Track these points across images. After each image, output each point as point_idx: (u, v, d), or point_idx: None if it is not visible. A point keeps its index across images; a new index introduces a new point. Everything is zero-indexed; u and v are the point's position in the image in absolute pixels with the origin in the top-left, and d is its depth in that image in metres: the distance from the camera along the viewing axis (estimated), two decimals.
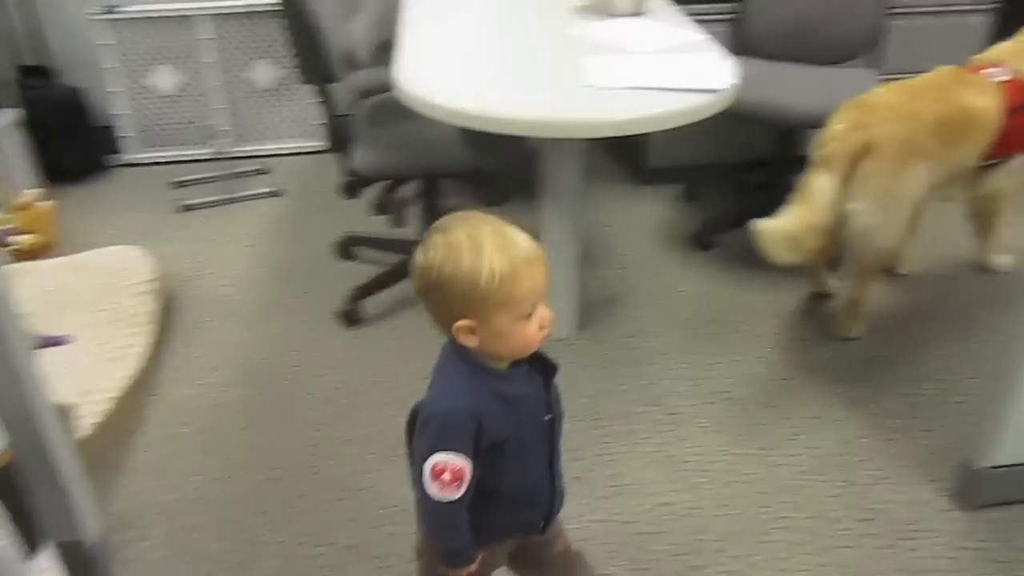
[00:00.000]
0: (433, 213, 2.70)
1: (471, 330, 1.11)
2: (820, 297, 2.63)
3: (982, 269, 2.73)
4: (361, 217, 3.10)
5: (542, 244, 1.13)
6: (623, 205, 3.21)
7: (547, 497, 1.28)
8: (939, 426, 2.12)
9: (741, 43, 2.87)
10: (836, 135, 2.18)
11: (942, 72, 2.31)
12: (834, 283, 2.58)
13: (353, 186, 2.50)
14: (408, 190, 3.01)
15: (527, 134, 2.04)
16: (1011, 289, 2.63)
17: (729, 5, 2.95)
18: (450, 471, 1.12)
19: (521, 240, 1.11)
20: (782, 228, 2.13)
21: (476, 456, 1.13)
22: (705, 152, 3.16)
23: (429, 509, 1.16)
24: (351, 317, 2.55)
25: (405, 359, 2.39)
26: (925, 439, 2.08)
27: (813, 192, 2.17)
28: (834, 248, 2.43)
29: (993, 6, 3.00)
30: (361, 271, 2.72)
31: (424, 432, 1.14)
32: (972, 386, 2.25)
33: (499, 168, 2.52)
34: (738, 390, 2.27)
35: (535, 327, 1.13)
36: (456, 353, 1.16)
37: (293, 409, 2.23)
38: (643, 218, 3.12)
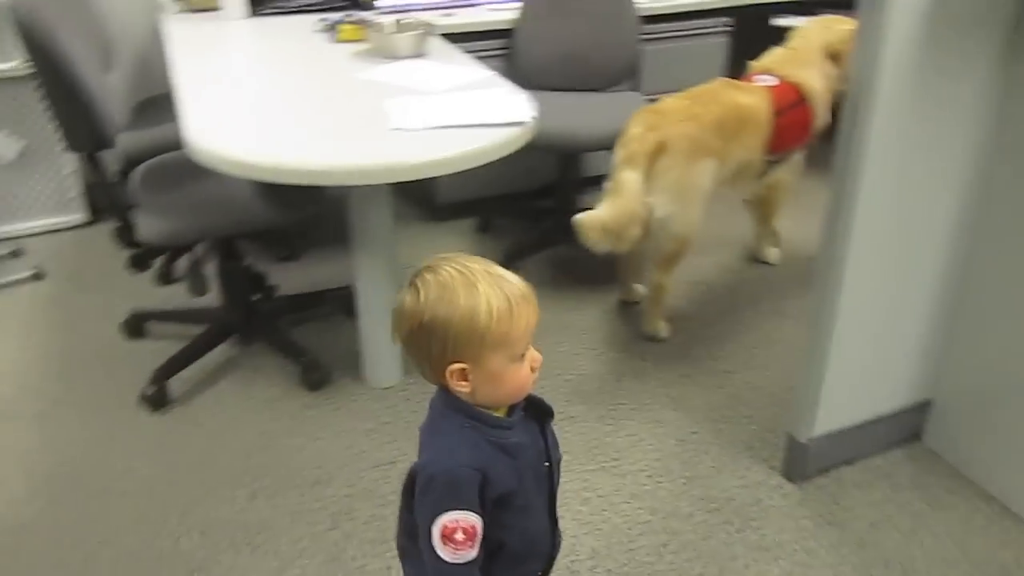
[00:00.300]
0: (232, 275, 2.54)
1: (464, 375, 1.06)
2: (628, 305, 2.78)
3: (755, 261, 3.03)
4: (145, 290, 2.85)
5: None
6: (419, 244, 3.21)
7: (548, 545, 1.25)
8: (756, 410, 2.30)
9: (515, 76, 2.97)
10: (634, 137, 2.37)
11: (718, 82, 2.60)
12: (640, 290, 2.74)
13: (141, 258, 2.30)
14: (198, 254, 2.81)
15: (340, 183, 1.98)
16: (784, 279, 2.93)
17: (500, 41, 3.05)
18: (462, 530, 1.05)
19: (512, 277, 1.08)
20: (599, 218, 2.29)
21: (483, 511, 1.07)
22: (492, 183, 3.22)
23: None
24: (157, 400, 2.33)
25: (227, 434, 2.21)
26: (749, 424, 2.25)
27: (622, 186, 2.33)
28: (638, 258, 2.59)
29: (728, 29, 3.36)
30: (159, 349, 2.49)
31: (427, 495, 1.07)
32: (774, 370, 2.46)
33: (300, 221, 2.42)
34: (573, 408, 2.33)
35: (527, 369, 1.10)
36: (449, 406, 1.10)
37: (107, 514, 1.99)
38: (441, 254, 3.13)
